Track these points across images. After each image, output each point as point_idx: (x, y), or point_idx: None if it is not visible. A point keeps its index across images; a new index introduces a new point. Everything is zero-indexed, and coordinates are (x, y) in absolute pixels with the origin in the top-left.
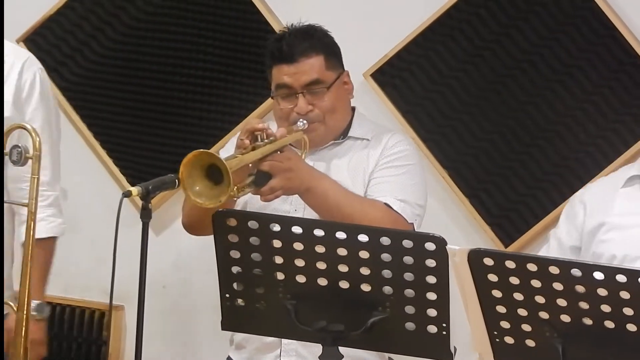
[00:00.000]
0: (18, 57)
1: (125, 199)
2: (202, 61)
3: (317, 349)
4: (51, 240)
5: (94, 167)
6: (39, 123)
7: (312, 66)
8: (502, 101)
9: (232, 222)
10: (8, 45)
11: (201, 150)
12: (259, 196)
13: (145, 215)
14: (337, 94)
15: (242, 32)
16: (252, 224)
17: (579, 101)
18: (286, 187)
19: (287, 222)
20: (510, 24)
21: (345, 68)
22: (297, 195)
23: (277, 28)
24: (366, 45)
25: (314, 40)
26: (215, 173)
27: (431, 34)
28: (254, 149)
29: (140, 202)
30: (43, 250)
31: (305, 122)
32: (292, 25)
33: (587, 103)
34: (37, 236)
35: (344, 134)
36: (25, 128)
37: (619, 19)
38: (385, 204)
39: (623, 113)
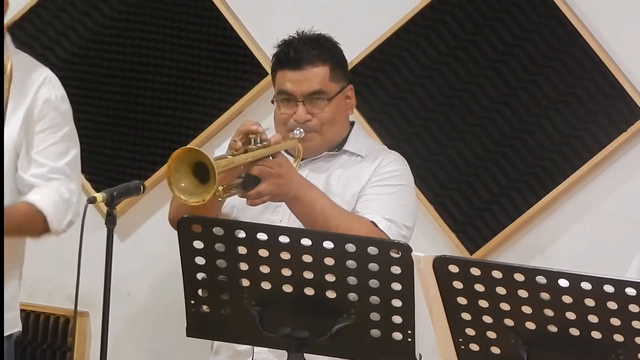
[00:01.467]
0: (37, 74)
1: (90, 205)
2: (167, 67)
3: None
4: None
5: None
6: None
7: (316, 75)
8: (467, 108)
9: (197, 228)
10: (27, 60)
11: (190, 147)
12: (248, 209)
13: (110, 221)
14: (338, 106)
15: (208, 39)
16: (217, 231)
17: (543, 108)
18: (274, 192)
19: (252, 228)
20: (475, 31)
21: None
22: (285, 207)
23: (243, 35)
24: None
25: (323, 50)
26: (202, 171)
27: (396, 41)
28: (246, 151)
29: (105, 208)
30: (17, 210)
31: (302, 130)
32: (302, 32)
33: (552, 110)
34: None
35: (339, 147)
36: None
37: (583, 26)
38: (372, 221)
39: (588, 120)
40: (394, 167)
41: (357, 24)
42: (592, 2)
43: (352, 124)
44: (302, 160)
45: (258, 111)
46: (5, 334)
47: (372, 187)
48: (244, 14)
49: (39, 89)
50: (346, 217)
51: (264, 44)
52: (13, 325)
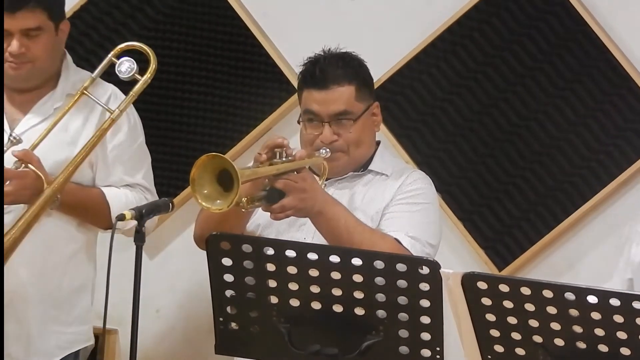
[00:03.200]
0: (102, 90)
1: (119, 222)
2: (195, 85)
3: None
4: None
5: None
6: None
7: (342, 95)
8: (496, 124)
9: (226, 245)
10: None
11: (215, 153)
12: (273, 227)
13: (139, 238)
14: (364, 125)
15: (236, 56)
16: (246, 248)
17: (572, 124)
18: (298, 207)
19: (280, 245)
20: (503, 46)
21: None
22: (310, 225)
23: (271, 52)
24: None
25: (348, 69)
26: (226, 179)
27: (424, 57)
28: (271, 164)
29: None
30: (91, 190)
31: (328, 150)
32: (328, 50)
33: (581, 126)
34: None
35: (364, 167)
36: (144, 51)
37: (612, 42)
38: (396, 239)
39: (616, 136)
40: (418, 185)
41: (385, 40)
42: (620, 17)
43: (377, 143)
44: (327, 179)
45: (286, 128)
46: (75, 349)
47: (396, 204)
48: (272, 31)
49: (107, 104)
50: (370, 234)
51: (292, 60)
52: (82, 340)
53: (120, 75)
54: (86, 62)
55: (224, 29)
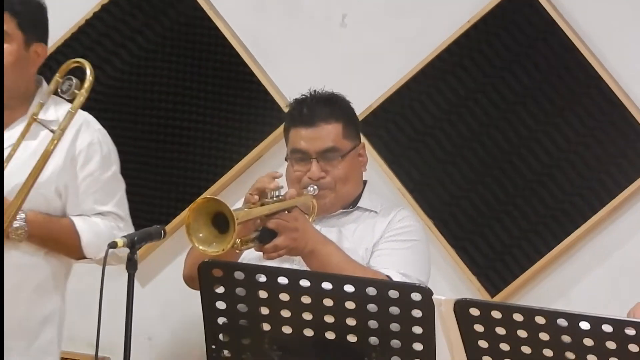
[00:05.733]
0: (73, 122)
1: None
2: (187, 112)
3: None
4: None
5: None
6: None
7: (329, 132)
8: (487, 151)
9: (218, 272)
10: (61, 102)
11: (210, 196)
12: (264, 263)
13: (131, 266)
14: (351, 163)
15: (228, 84)
16: (238, 275)
17: (563, 151)
18: (290, 246)
19: (272, 272)
20: (494, 74)
21: None
22: (301, 261)
23: (263, 79)
24: (350, 97)
25: (335, 107)
26: (221, 222)
27: (415, 84)
28: (262, 205)
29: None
30: (61, 221)
31: (315, 187)
32: (314, 90)
33: (572, 153)
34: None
35: (353, 204)
36: (81, 63)
37: (604, 69)
38: (387, 276)
39: (608, 163)
40: (407, 222)
41: (375, 67)
42: (612, 44)
43: (364, 182)
44: (316, 217)
45: (277, 156)
46: None
47: (386, 242)
48: (263, 59)
49: (79, 133)
50: (362, 272)
51: (284, 88)
52: None
53: (64, 96)
54: None
55: (215, 56)
